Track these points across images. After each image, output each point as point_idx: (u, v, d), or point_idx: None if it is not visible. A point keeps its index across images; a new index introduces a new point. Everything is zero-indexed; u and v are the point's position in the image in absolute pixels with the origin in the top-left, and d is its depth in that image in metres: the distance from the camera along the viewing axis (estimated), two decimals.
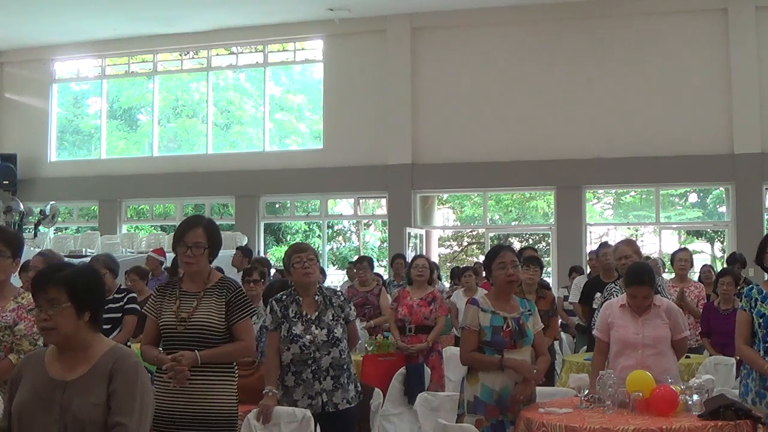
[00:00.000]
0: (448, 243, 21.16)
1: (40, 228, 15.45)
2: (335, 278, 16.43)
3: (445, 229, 19.46)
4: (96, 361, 2.66)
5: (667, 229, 15.70)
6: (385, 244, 16.37)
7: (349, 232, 20.65)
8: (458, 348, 7.01)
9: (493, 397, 4.32)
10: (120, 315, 6.11)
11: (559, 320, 9.89)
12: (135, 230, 17.88)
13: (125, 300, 6.20)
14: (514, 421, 4.22)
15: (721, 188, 15.16)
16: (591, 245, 13.81)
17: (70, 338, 2.66)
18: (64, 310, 2.63)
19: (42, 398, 2.62)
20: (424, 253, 14.12)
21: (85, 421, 2.56)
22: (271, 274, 9.73)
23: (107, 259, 6.42)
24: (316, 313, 4.52)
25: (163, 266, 10.22)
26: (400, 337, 6.79)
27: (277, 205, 17.33)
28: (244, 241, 14.25)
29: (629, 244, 6.46)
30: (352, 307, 4.78)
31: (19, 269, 6.00)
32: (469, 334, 4.42)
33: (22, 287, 4.31)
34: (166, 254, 10.44)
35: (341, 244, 20.88)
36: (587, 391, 4.22)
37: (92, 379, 2.62)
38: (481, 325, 4.39)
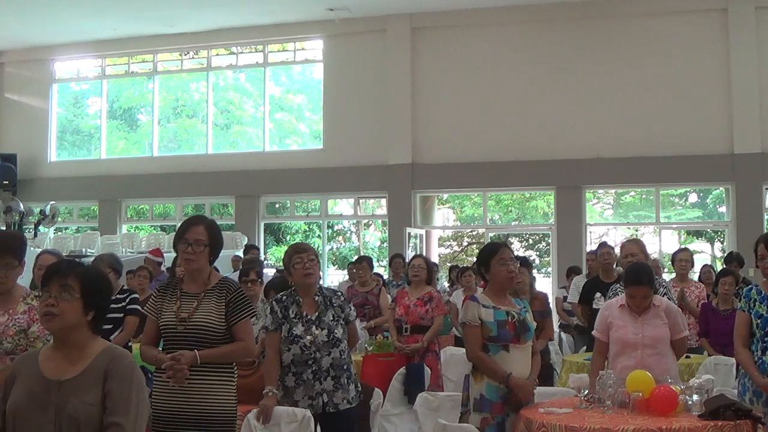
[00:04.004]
0: (448, 243, 21.17)
1: (40, 228, 15.45)
2: (335, 278, 16.43)
3: (445, 229, 19.47)
4: (91, 361, 2.67)
5: (667, 229, 15.69)
6: (385, 244, 16.36)
7: (349, 232, 20.67)
8: (458, 348, 7.04)
9: (498, 394, 4.30)
10: (122, 315, 6.10)
11: (559, 320, 9.92)
12: (135, 230, 17.88)
13: (127, 300, 6.20)
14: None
15: (721, 188, 15.15)
16: (591, 245, 13.79)
17: (69, 330, 2.68)
18: (74, 301, 2.68)
19: (37, 398, 2.63)
20: (424, 253, 14.12)
21: (80, 421, 2.57)
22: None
23: (111, 258, 6.40)
24: (317, 314, 4.52)
25: (162, 267, 10.23)
26: (397, 337, 6.80)
27: (277, 205, 17.32)
28: (245, 241, 14.26)
29: (636, 242, 6.47)
30: (352, 308, 4.77)
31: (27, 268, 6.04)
32: (472, 330, 4.37)
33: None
34: (164, 255, 10.46)
35: (341, 244, 20.89)
36: (587, 391, 4.22)
37: (87, 378, 2.63)
38: (485, 320, 4.34)
